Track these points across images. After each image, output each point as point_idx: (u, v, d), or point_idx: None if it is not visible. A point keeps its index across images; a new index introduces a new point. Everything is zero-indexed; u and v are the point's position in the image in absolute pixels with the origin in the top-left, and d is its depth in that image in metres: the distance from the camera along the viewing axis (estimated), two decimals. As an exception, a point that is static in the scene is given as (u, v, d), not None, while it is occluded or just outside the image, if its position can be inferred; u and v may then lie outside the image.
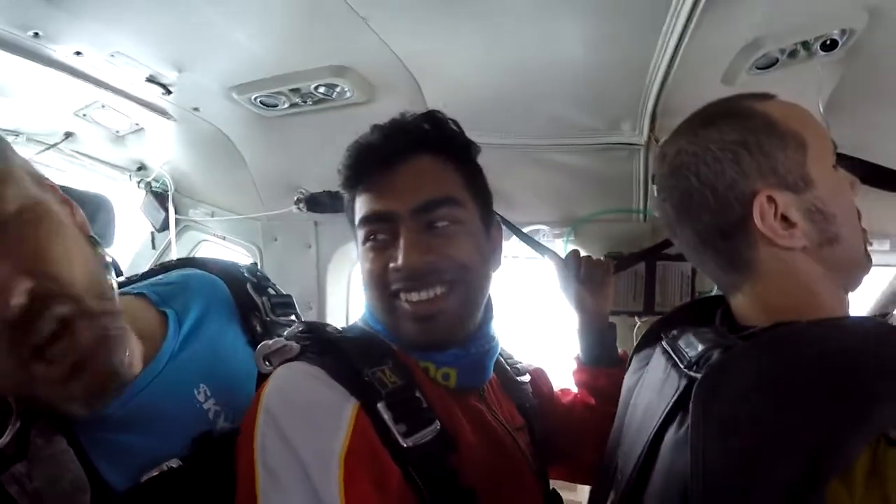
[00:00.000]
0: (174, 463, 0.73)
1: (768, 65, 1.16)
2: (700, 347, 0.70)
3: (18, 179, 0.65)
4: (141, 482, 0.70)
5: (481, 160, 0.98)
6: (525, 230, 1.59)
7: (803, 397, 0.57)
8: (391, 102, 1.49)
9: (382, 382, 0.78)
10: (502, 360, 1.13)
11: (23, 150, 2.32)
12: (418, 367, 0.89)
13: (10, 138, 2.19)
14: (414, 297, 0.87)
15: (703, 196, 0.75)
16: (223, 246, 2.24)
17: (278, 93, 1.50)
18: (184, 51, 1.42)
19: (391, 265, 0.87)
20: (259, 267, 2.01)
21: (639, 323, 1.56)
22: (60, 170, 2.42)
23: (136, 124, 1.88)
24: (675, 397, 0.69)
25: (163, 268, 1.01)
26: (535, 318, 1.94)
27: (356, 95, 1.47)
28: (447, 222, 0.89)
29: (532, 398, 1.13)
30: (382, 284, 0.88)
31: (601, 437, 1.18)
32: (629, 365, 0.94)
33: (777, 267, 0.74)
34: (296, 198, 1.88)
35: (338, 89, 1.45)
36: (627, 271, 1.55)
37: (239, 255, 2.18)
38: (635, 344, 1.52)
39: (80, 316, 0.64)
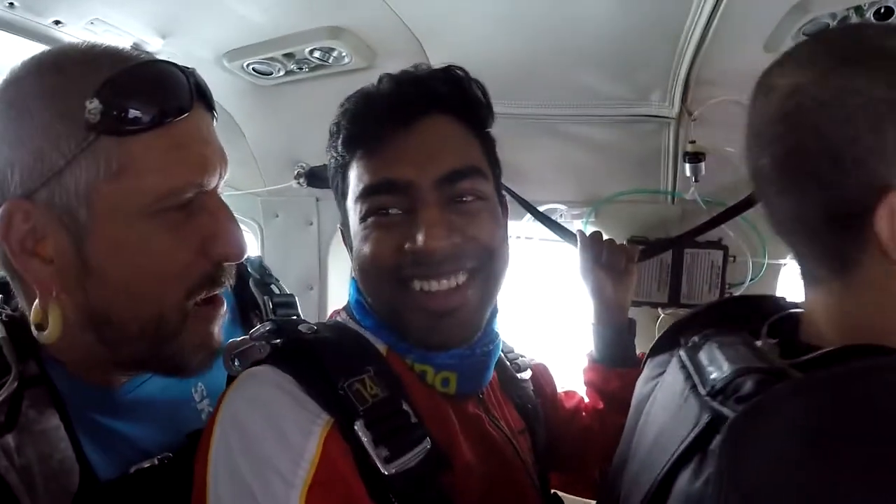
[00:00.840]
0: (163, 456, 0.70)
1: (817, 32, 1.02)
2: (726, 368, 0.54)
3: None
4: (130, 472, 0.68)
5: (493, 130, 0.84)
6: (540, 209, 1.45)
7: (884, 478, 0.40)
8: (393, 67, 1.34)
9: (361, 396, 0.66)
10: (502, 354, 0.99)
11: None
12: (410, 372, 0.77)
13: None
14: (434, 286, 0.74)
15: (818, 163, 0.54)
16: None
17: (271, 59, 1.41)
18: (167, 15, 1.33)
19: (407, 246, 0.73)
20: (260, 243, 1.98)
21: (662, 315, 1.43)
22: None
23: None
24: (693, 434, 0.53)
25: None
26: (546, 307, 1.81)
27: (355, 61, 1.36)
28: (472, 197, 0.76)
29: (533, 398, 1.01)
30: (391, 270, 0.74)
31: (605, 449, 1.06)
32: (643, 368, 0.79)
33: (883, 281, 0.55)
34: (296, 172, 1.78)
35: (335, 54, 1.35)
36: (652, 259, 1.41)
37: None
38: (657, 337, 1.45)
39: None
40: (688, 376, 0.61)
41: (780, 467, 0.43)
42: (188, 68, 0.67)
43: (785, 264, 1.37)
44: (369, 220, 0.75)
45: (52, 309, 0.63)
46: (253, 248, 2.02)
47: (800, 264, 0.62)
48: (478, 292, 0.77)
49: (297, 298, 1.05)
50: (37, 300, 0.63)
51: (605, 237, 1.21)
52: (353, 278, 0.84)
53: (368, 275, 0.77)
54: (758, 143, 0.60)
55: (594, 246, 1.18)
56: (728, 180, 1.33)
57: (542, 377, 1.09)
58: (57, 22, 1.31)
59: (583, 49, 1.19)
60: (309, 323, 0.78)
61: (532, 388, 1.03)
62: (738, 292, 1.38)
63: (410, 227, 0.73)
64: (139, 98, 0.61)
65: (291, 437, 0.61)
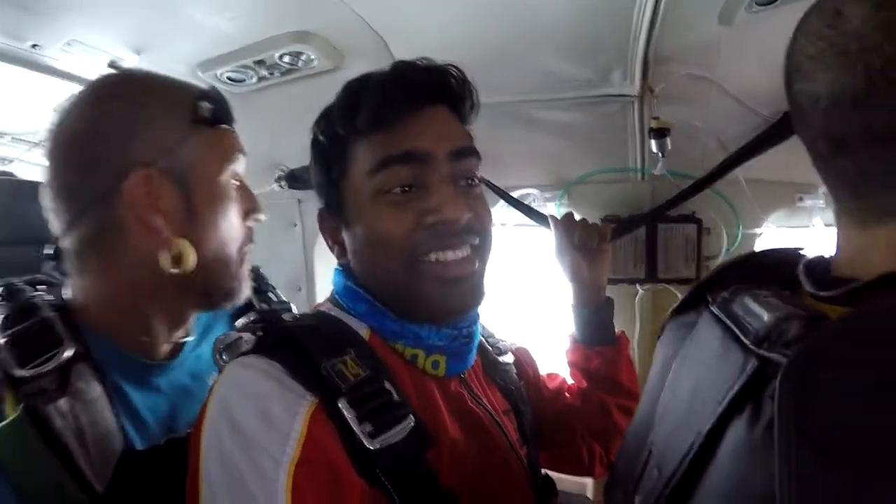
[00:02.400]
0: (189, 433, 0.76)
1: (770, 0, 1.01)
2: (766, 317, 0.53)
3: None
4: (162, 443, 0.76)
5: None
6: (513, 195, 1.48)
7: None
8: (361, 67, 1.35)
9: (343, 375, 0.69)
10: (482, 339, 1.03)
11: (9, 150, 2.34)
12: (394, 355, 0.81)
13: (-4, 140, 2.23)
14: (449, 255, 0.78)
15: None
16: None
17: (244, 66, 1.43)
18: (140, 32, 1.36)
19: (429, 219, 0.76)
20: None
21: (641, 291, 1.45)
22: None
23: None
24: (741, 381, 0.52)
25: None
26: (524, 292, 1.83)
27: (323, 63, 1.38)
28: (474, 181, 0.83)
29: (516, 380, 1.04)
30: (409, 246, 0.77)
31: (590, 426, 1.11)
32: (661, 333, 0.79)
33: None
34: (276, 175, 1.82)
35: (303, 57, 1.37)
36: (627, 236, 1.43)
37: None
38: (637, 315, 1.48)
39: None
40: (726, 328, 0.59)
41: (852, 404, 0.40)
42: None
43: (760, 234, 1.39)
44: (385, 196, 0.78)
45: (184, 245, 0.79)
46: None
47: (863, 197, 0.56)
48: (481, 265, 0.83)
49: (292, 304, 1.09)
50: (163, 244, 0.78)
51: (578, 217, 1.21)
52: (338, 268, 0.88)
53: (380, 251, 0.79)
54: (839, 63, 0.53)
55: (566, 227, 1.18)
56: (695, 154, 1.35)
57: (524, 360, 1.11)
58: (34, 45, 1.34)
59: (542, 34, 1.20)
60: (293, 313, 0.86)
61: (515, 371, 1.05)
62: (715, 264, 1.40)
63: (426, 201, 0.77)
64: (222, 108, 0.85)
65: (278, 418, 0.64)
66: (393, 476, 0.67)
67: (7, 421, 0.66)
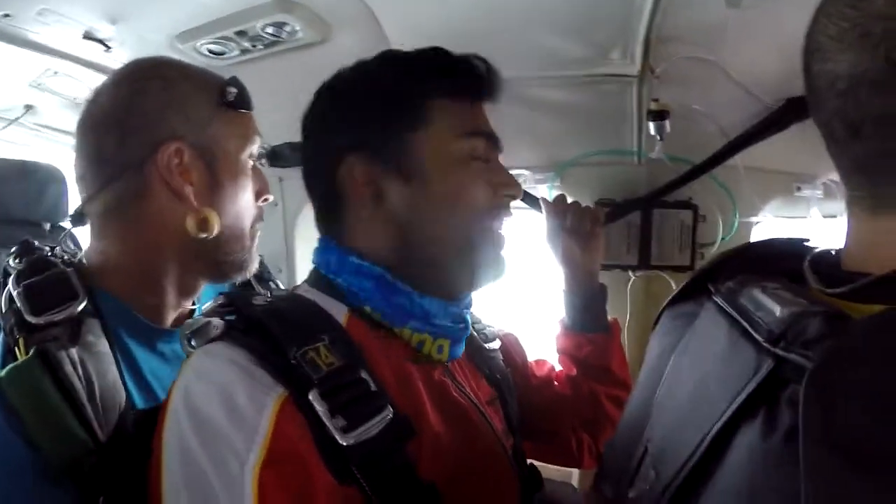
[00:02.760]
0: None
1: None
2: (778, 311, 0.49)
3: None
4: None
5: None
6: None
7: None
8: (348, 40, 1.34)
9: (315, 365, 0.64)
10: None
11: None
12: (378, 341, 0.76)
13: (-31, 118, 2.17)
14: (504, 223, 0.85)
15: None
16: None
17: (224, 38, 1.36)
18: (115, 1, 1.30)
19: (505, 191, 0.83)
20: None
21: (633, 278, 1.42)
22: (26, 144, 2.38)
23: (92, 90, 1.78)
24: (754, 383, 0.47)
25: None
26: (515, 276, 1.78)
27: (309, 35, 1.32)
28: None
29: (503, 368, 1.00)
30: (488, 215, 0.81)
31: (579, 416, 1.08)
32: (657, 322, 0.75)
33: None
34: (259, 152, 1.73)
35: (287, 28, 1.30)
36: (620, 221, 1.39)
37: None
38: (629, 302, 1.45)
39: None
40: (733, 322, 0.55)
41: (888, 410, 0.37)
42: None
43: (757, 222, 1.36)
44: (473, 163, 0.80)
45: (211, 214, 0.85)
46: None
47: (877, 184, 0.53)
48: None
49: None
50: (191, 211, 0.84)
51: (570, 200, 1.18)
52: (329, 245, 0.81)
53: (456, 213, 0.79)
54: (861, 45, 0.51)
55: (558, 210, 1.15)
56: (694, 139, 1.31)
57: (511, 347, 1.08)
58: (6, 15, 1.29)
59: (538, 8, 1.15)
60: (264, 296, 0.81)
61: (502, 358, 1.01)
62: (709, 252, 1.37)
63: (497, 174, 0.82)
64: (244, 95, 0.94)
65: (244, 413, 0.59)
66: (368, 473, 0.63)
67: (19, 362, 0.67)
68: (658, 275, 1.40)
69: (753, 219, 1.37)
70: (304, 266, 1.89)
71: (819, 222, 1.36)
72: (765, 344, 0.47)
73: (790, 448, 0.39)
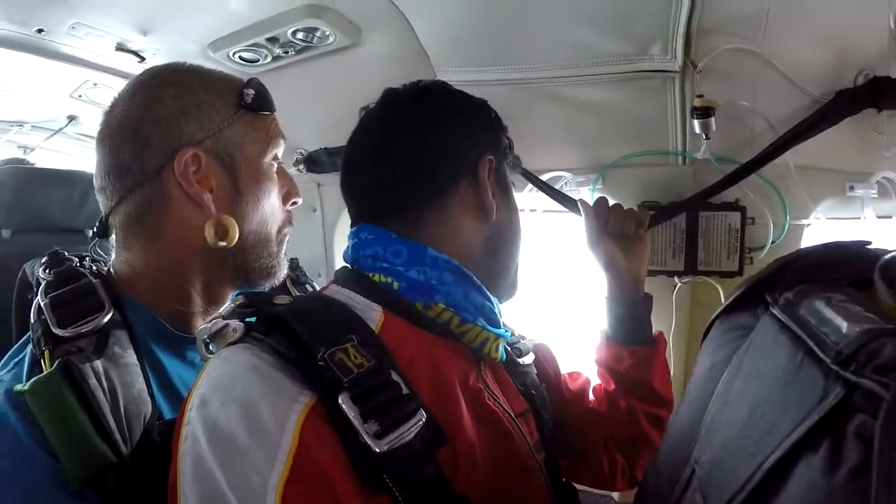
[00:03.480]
0: None
1: None
2: (845, 328, 0.44)
3: None
4: None
5: (489, 97, 0.89)
6: (543, 178, 1.39)
7: None
8: (380, 43, 1.33)
9: (344, 366, 0.61)
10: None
11: (30, 138, 2.37)
12: (424, 341, 0.75)
13: (15, 129, 2.29)
14: None
15: None
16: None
17: (256, 45, 1.37)
18: (145, 12, 1.33)
19: None
20: None
21: (679, 284, 1.35)
22: (70, 153, 2.45)
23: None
24: (820, 411, 0.43)
25: None
26: (553, 284, 1.72)
27: (340, 39, 1.31)
28: None
29: (537, 383, 0.96)
30: None
31: (614, 434, 1.02)
32: (707, 333, 0.69)
33: None
34: (295, 158, 1.76)
35: (318, 34, 1.30)
36: (665, 224, 1.32)
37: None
38: (674, 310, 1.38)
39: None
40: (796, 338, 0.50)
41: None
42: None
43: (808, 224, 1.28)
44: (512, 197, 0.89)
45: (229, 221, 0.83)
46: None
47: None
48: None
49: None
50: (210, 219, 0.82)
51: (612, 202, 1.12)
52: (397, 238, 0.78)
53: (520, 240, 0.89)
54: None
55: (599, 213, 1.09)
56: (741, 136, 1.24)
57: (544, 358, 1.04)
58: (40, 30, 1.33)
59: (573, 3, 1.12)
60: (286, 296, 0.81)
61: (536, 372, 0.97)
62: (759, 256, 1.29)
63: None
64: (264, 96, 0.90)
65: (266, 427, 0.56)
66: (401, 482, 0.60)
67: (43, 374, 0.66)
68: (705, 281, 1.33)
69: (804, 221, 1.28)
70: (341, 268, 1.88)
71: (873, 223, 1.27)
72: (833, 366, 0.42)
73: (856, 487, 0.35)
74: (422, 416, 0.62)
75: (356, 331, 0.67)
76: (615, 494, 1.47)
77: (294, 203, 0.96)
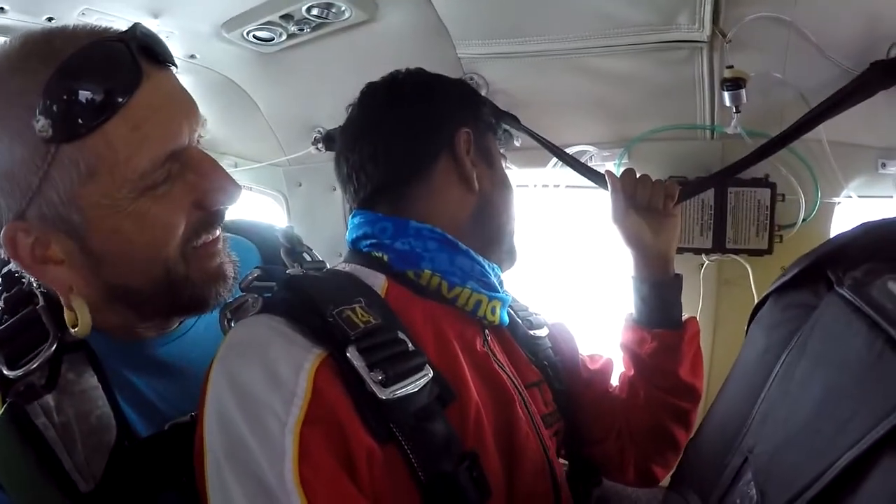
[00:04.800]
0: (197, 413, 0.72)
1: None
2: None
3: None
4: (165, 428, 0.71)
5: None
6: (568, 152, 1.33)
7: None
8: (397, 17, 1.30)
9: (351, 322, 0.65)
10: (512, 312, 0.96)
11: None
12: (422, 306, 0.78)
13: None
14: None
15: None
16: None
17: (270, 23, 1.35)
18: None
19: None
20: (287, 213, 1.97)
21: (707, 262, 1.32)
22: None
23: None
24: None
25: None
26: (576, 262, 1.69)
27: (356, 14, 1.28)
28: None
29: (551, 355, 0.97)
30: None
31: (631, 421, 0.99)
32: (754, 313, 0.67)
33: None
34: (313, 137, 1.75)
35: (333, 9, 1.28)
36: (692, 200, 1.28)
37: (267, 204, 2.11)
38: (702, 288, 1.35)
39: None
40: (873, 324, 0.46)
41: None
42: (131, 29, 0.65)
43: (839, 202, 1.23)
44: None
45: (78, 305, 0.67)
46: (280, 218, 2.03)
47: None
48: None
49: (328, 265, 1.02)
50: (63, 301, 0.68)
51: (639, 174, 1.06)
52: (378, 215, 0.84)
53: (511, 209, 0.92)
54: None
55: (626, 184, 1.03)
56: (772, 109, 1.19)
57: (560, 337, 1.02)
58: (50, 18, 1.31)
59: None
60: (298, 267, 0.87)
61: (550, 345, 0.98)
62: (789, 234, 1.25)
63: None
64: (81, 98, 0.59)
65: (282, 375, 0.60)
66: (408, 432, 0.63)
67: None
68: (733, 259, 1.29)
69: (835, 199, 1.24)
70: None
71: (905, 203, 1.23)
72: None
73: None
74: (428, 371, 0.66)
75: (363, 294, 0.72)
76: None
77: (214, 205, 0.72)
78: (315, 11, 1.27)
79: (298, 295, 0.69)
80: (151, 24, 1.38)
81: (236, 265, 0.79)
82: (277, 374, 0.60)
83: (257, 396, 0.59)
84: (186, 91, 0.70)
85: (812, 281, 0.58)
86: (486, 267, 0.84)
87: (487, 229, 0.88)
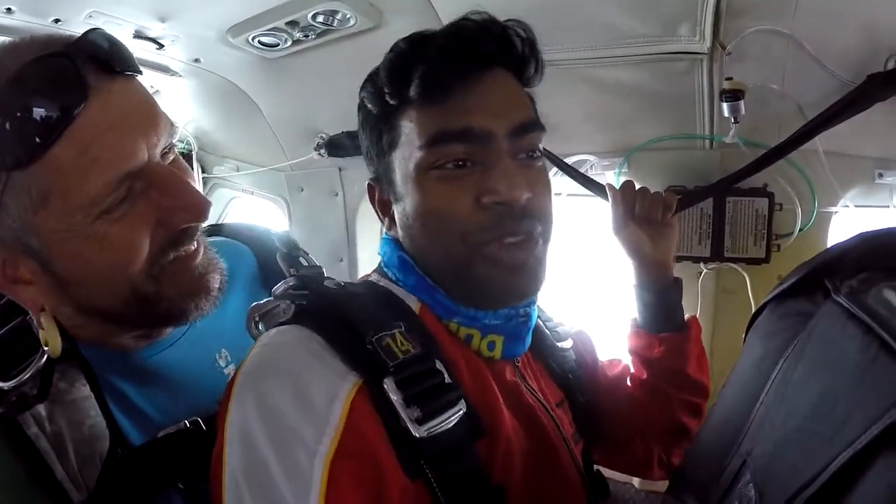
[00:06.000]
0: (192, 421, 0.72)
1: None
2: None
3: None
4: (158, 437, 0.71)
5: None
6: (568, 161, 1.36)
7: None
8: (402, 25, 1.32)
9: (391, 351, 0.62)
10: (540, 322, 0.94)
11: None
12: (447, 334, 0.74)
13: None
14: (511, 239, 0.70)
15: None
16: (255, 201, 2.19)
17: (276, 29, 1.37)
18: None
19: (486, 199, 0.68)
20: (288, 218, 1.99)
21: (705, 271, 1.33)
22: None
23: (151, 87, 1.82)
24: None
25: None
26: (580, 270, 1.70)
27: (361, 21, 1.30)
28: (536, 154, 0.74)
29: (574, 367, 0.95)
30: (469, 227, 0.70)
31: (651, 421, 1.00)
32: (752, 321, 0.68)
33: None
34: (316, 143, 1.77)
35: (338, 17, 1.30)
36: (691, 209, 1.30)
37: (269, 209, 2.13)
38: (700, 296, 1.37)
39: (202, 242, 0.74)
40: (867, 330, 0.48)
41: None
42: (80, 39, 0.62)
43: (836, 212, 1.25)
44: (434, 172, 0.70)
45: (47, 323, 0.66)
46: (281, 223, 2.04)
47: None
48: (542, 248, 0.74)
49: (324, 271, 1.02)
50: (34, 321, 0.68)
51: (638, 186, 1.08)
52: (386, 236, 0.81)
53: (435, 231, 0.72)
54: None
55: (625, 197, 1.05)
56: (770, 120, 1.21)
57: (582, 346, 1.02)
58: (56, 20, 1.32)
59: (599, -17, 1.09)
60: (335, 279, 0.80)
61: (573, 357, 0.96)
62: (786, 244, 1.27)
63: (483, 179, 0.69)
64: (21, 123, 0.56)
65: (315, 401, 0.57)
66: (438, 469, 0.60)
67: None
68: (731, 268, 1.31)
69: (832, 208, 1.26)
70: (365, 255, 1.90)
71: (903, 213, 1.24)
72: None
73: None
74: (463, 405, 0.63)
75: (403, 317, 0.68)
76: (636, 482, 1.47)
77: (187, 224, 0.69)
78: (320, 18, 1.29)
79: (337, 312, 0.65)
80: (158, 29, 1.40)
81: (223, 273, 0.76)
82: (310, 400, 0.57)
83: (286, 422, 0.56)
84: (149, 101, 0.67)
85: (809, 290, 0.60)
86: (463, 308, 0.75)
87: (429, 276, 0.78)
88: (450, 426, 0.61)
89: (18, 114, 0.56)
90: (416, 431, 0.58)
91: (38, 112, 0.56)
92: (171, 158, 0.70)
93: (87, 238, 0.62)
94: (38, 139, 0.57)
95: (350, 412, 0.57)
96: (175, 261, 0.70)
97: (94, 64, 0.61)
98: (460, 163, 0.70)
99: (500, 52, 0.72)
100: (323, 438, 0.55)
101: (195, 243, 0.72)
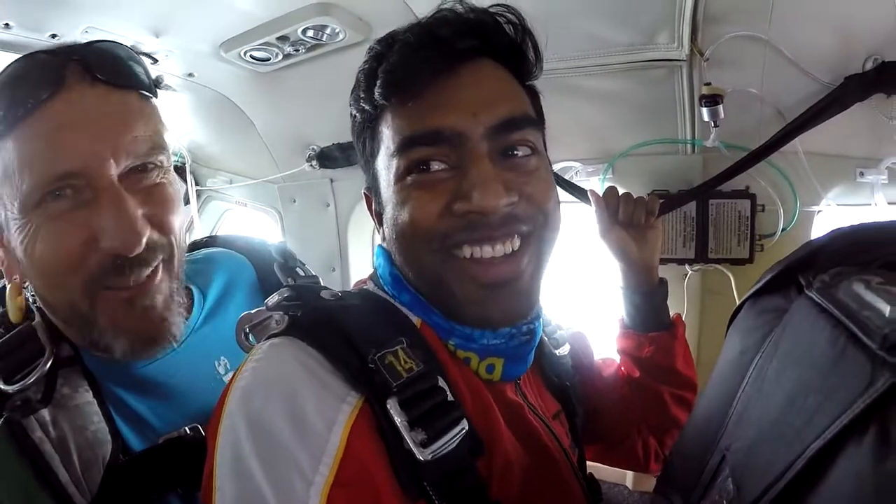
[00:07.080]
0: (191, 427, 0.73)
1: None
2: (888, 311, 0.43)
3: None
4: (160, 442, 0.72)
5: None
6: (553, 168, 1.37)
7: None
8: None
9: (394, 371, 0.58)
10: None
11: None
12: (446, 350, 0.71)
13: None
14: (487, 251, 0.66)
15: None
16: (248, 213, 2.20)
17: (267, 44, 1.40)
18: (158, 15, 1.35)
19: (457, 206, 0.64)
20: (281, 229, 2.01)
21: (690, 272, 1.36)
22: None
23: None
24: (867, 399, 0.41)
25: (191, 246, 1.00)
26: (569, 274, 1.72)
27: (349, 35, 1.33)
28: (527, 151, 0.68)
29: (571, 374, 0.95)
30: (437, 236, 0.66)
31: (644, 418, 1.03)
32: (733, 318, 0.68)
33: None
34: (307, 155, 1.79)
35: (328, 31, 1.32)
36: (675, 212, 1.33)
37: (262, 220, 2.15)
38: (686, 297, 1.39)
39: (164, 267, 0.73)
40: (836, 323, 0.48)
41: None
42: (80, 45, 0.70)
43: (819, 211, 1.28)
44: (408, 178, 0.66)
45: (11, 289, 0.71)
46: (274, 234, 2.06)
47: None
48: (533, 260, 0.69)
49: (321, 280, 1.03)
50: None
51: (621, 191, 1.10)
52: (380, 247, 0.77)
53: (409, 242, 0.68)
54: None
55: (609, 202, 1.07)
56: (749, 124, 1.24)
57: (579, 348, 1.03)
58: (53, 36, 1.34)
59: (582, -6, 1.12)
60: (332, 290, 0.73)
61: (570, 363, 0.96)
62: (770, 243, 1.30)
63: (459, 184, 0.64)
64: (2, 104, 0.64)
65: (313, 425, 0.53)
66: (441, 489, 0.58)
67: None
68: (716, 268, 1.34)
69: (815, 208, 1.29)
70: (357, 265, 1.92)
71: (884, 210, 1.26)
72: (879, 352, 0.41)
73: None
74: (464, 424, 0.60)
75: (404, 332, 0.64)
76: (629, 478, 1.49)
77: (114, 252, 0.67)
78: (310, 33, 1.32)
79: (335, 325, 0.61)
80: (152, 44, 1.42)
81: (184, 314, 0.77)
82: (306, 423, 0.53)
83: (281, 446, 0.52)
84: (128, 114, 0.69)
85: (784, 286, 0.60)
86: (459, 327, 0.71)
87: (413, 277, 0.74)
88: (452, 448, 0.58)
89: (1, 98, 0.64)
90: (421, 455, 0.55)
91: (14, 94, 0.64)
92: (148, 180, 0.71)
93: (23, 227, 0.67)
94: (8, 122, 0.64)
95: (350, 439, 0.54)
96: (114, 290, 0.69)
97: (80, 67, 0.66)
98: (434, 167, 0.65)
99: (482, 42, 0.67)
100: (320, 467, 0.52)
101: (144, 280, 0.71)
